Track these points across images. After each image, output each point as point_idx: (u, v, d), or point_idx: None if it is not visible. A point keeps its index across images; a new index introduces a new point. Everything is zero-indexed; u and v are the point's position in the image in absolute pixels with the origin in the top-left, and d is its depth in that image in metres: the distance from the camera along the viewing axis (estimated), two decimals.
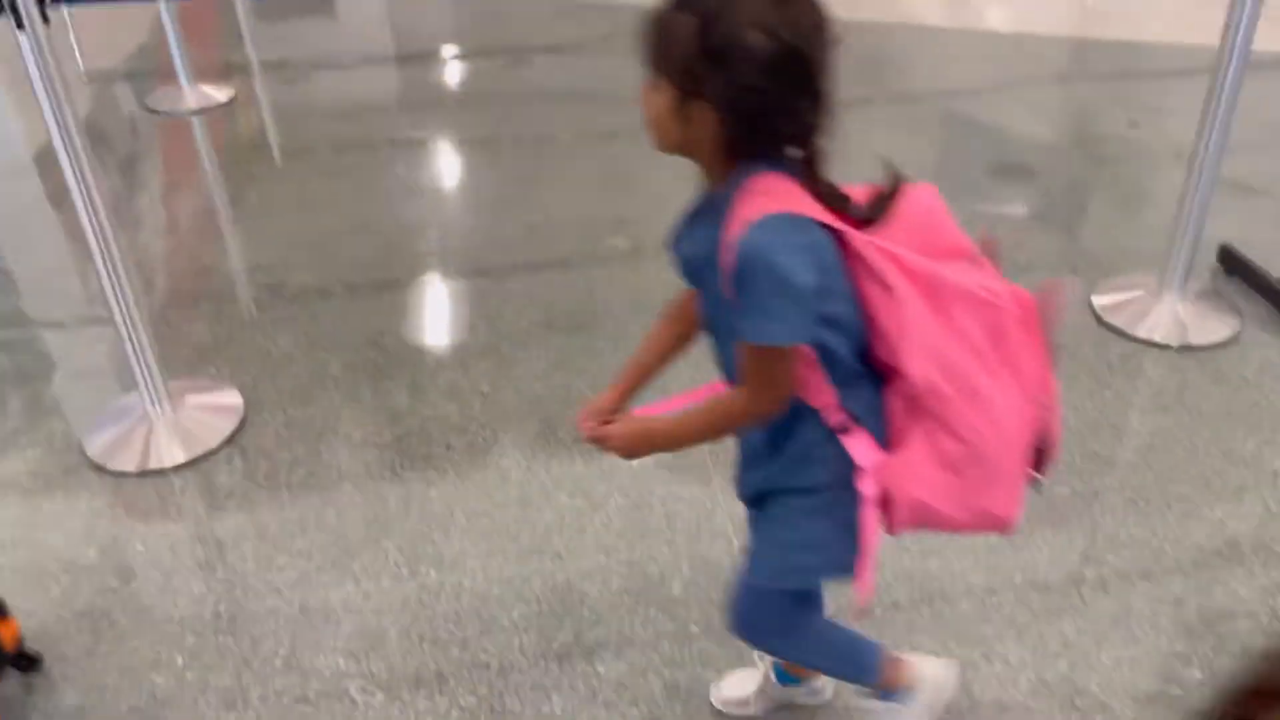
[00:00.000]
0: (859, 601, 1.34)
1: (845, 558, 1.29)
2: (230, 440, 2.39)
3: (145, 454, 2.35)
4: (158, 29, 4.26)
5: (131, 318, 2.28)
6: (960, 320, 1.17)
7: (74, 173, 2.10)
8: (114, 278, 2.24)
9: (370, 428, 2.43)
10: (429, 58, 4.68)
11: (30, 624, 1.88)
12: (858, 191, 1.20)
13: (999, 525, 1.30)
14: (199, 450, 2.37)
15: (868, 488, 1.25)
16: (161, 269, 3.10)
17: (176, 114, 4.07)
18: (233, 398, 2.50)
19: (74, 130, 2.06)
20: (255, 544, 2.12)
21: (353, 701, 1.79)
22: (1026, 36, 4.68)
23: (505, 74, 4.43)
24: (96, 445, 2.40)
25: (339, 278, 2.95)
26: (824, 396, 1.23)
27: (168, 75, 4.18)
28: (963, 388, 1.19)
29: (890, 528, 1.31)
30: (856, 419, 1.25)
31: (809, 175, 1.14)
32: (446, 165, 3.85)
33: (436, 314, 2.94)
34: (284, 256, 3.07)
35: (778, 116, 1.10)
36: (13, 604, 1.82)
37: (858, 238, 1.15)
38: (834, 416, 1.25)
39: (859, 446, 1.25)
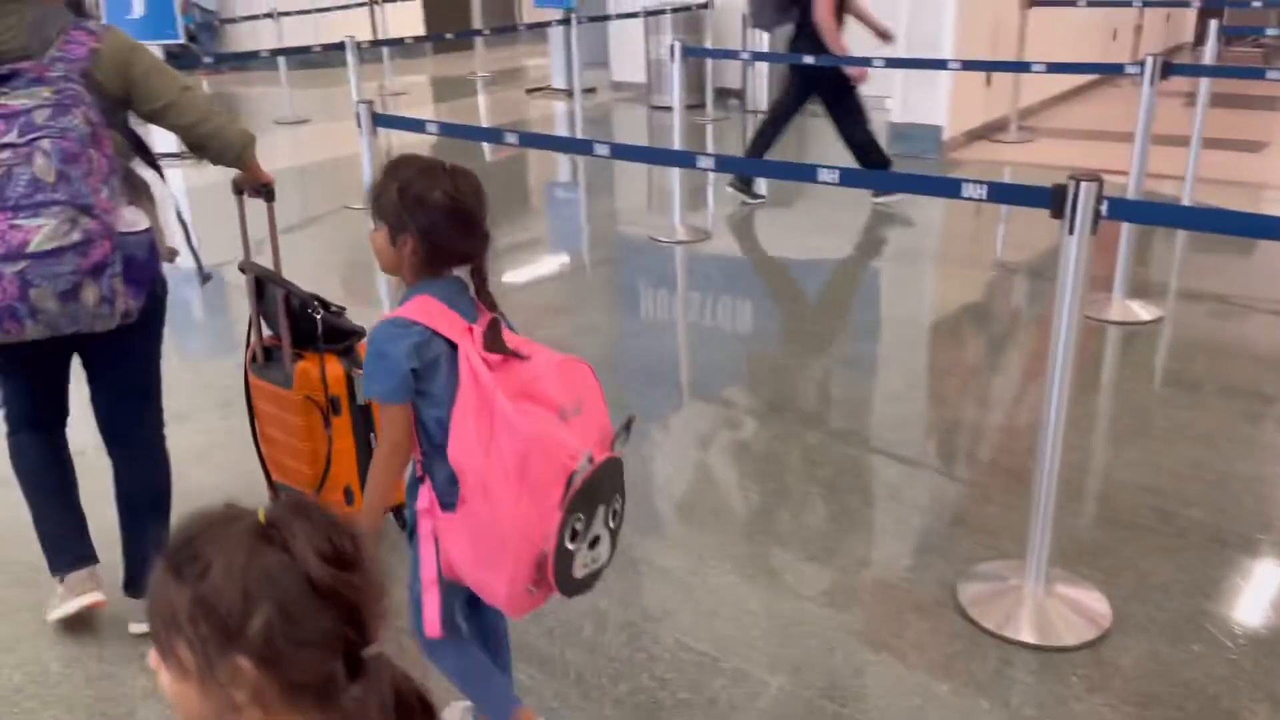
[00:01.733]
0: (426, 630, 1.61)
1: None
2: (1087, 646, 2.22)
3: (1004, 619, 2.30)
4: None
5: (1049, 490, 2.23)
6: (499, 439, 1.48)
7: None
8: (1050, 456, 2.21)
9: None
10: None
11: None
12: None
13: (502, 604, 1.62)
14: (1052, 641, 2.24)
15: (423, 527, 1.61)
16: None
17: (1098, 320, 3.95)
18: (1101, 605, 2.33)
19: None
20: None
21: None
22: None
23: None
24: (969, 591, 2.39)
25: (1237, 528, 2.65)
26: (416, 450, 1.61)
27: (1102, 285, 4.02)
28: (477, 480, 1.50)
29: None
30: (431, 476, 1.60)
31: (460, 293, 1.62)
32: None
33: None
34: (1179, 487, 2.82)
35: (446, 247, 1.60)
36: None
37: (464, 349, 1.53)
38: (419, 467, 1.61)
39: (423, 495, 1.61)
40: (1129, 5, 8.48)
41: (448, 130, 4.06)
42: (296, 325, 2.50)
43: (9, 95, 1.86)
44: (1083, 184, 1.93)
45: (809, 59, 5.17)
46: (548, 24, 9.10)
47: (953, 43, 6.49)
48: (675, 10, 8.69)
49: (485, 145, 7.71)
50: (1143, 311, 4.03)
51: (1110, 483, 2.92)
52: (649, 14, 8.74)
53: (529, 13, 14.05)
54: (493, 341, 1.56)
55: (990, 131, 7.30)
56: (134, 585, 2.26)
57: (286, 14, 10.77)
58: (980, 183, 2.16)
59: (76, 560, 2.26)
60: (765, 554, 2.58)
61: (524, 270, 5.20)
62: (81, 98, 1.91)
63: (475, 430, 1.50)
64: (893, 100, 6.97)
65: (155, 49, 7.08)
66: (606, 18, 8.95)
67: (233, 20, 12.60)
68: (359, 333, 2.53)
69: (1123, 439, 3.15)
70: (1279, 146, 7.04)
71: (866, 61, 5.17)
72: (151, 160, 2.21)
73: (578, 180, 6.93)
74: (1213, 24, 4.97)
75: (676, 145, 5.20)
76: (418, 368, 1.54)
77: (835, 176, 2.39)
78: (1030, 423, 3.16)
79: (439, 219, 1.58)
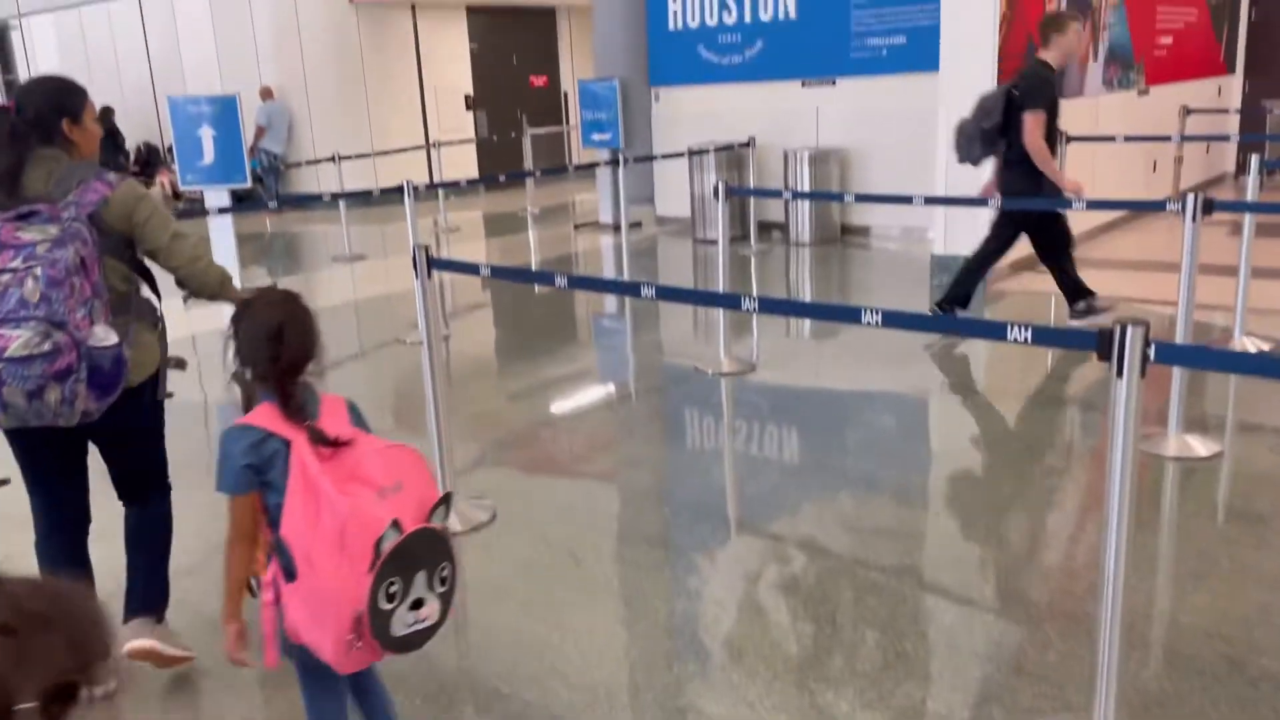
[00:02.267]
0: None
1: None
2: None
3: None
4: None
5: (1113, 639, 2.17)
6: (324, 517, 1.78)
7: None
8: (1112, 604, 2.18)
9: None
10: None
11: None
12: (333, 418, 1.94)
13: (330, 660, 1.85)
14: None
15: (266, 594, 1.89)
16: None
17: (1155, 455, 3.87)
18: None
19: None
20: None
21: None
22: None
23: None
24: None
25: None
26: (265, 533, 1.92)
27: (1156, 418, 4.00)
28: (303, 553, 1.80)
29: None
30: (278, 552, 1.86)
31: (283, 403, 1.90)
32: None
33: None
34: (1249, 633, 2.74)
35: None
36: None
37: (295, 445, 1.84)
38: (269, 546, 1.91)
39: (271, 568, 1.89)
40: (1167, 140, 8.61)
41: (498, 273, 4.18)
42: None
43: (24, 229, 2.29)
44: (1129, 329, 1.94)
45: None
46: (596, 165, 9.46)
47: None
48: (718, 149, 9.00)
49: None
50: (1200, 447, 3.94)
51: (1176, 628, 2.81)
52: (693, 154, 9.05)
53: (578, 153, 14.63)
54: (317, 437, 1.86)
55: (1034, 262, 7.34)
56: (128, 607, 2.69)
57: (347, 158, 11.32)
58: (1025, 326, 2.17)
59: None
60: (819, 702, 2.50)
61: (571, 400, 5.26)
62: (79, 235, 2.32)
63: (302, 511, 1.80)
64: (934, 232, 7.08)
65: (224, 192, 7.49)
66: (652, 158, 9.28)
67: (297, 165, 13.27)
68: None
69: (1186, 582, 3.05)
70: None
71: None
72: (154, 288, 2.67)
73: (624, 310, 7.06)
74: (1254, 159, 5.02)
75: (721, 278, 5.30)
76: (254, 463, 1.86)
77: (878, 319, 2.42)
78: (1088, 562, 3.08)
79: (240, 347, 1.98)
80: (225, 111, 7.25)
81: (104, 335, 2.34)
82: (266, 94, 13.50)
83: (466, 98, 15.20)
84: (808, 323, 6.36)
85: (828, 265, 8.40)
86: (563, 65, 16.59)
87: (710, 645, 2.79)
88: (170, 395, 2.79)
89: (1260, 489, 3.70)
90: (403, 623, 1.81)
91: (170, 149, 14.62)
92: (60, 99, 2.55)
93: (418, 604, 1.81)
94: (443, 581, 1.85)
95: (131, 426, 2.59)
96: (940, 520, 3.59)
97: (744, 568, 3.25)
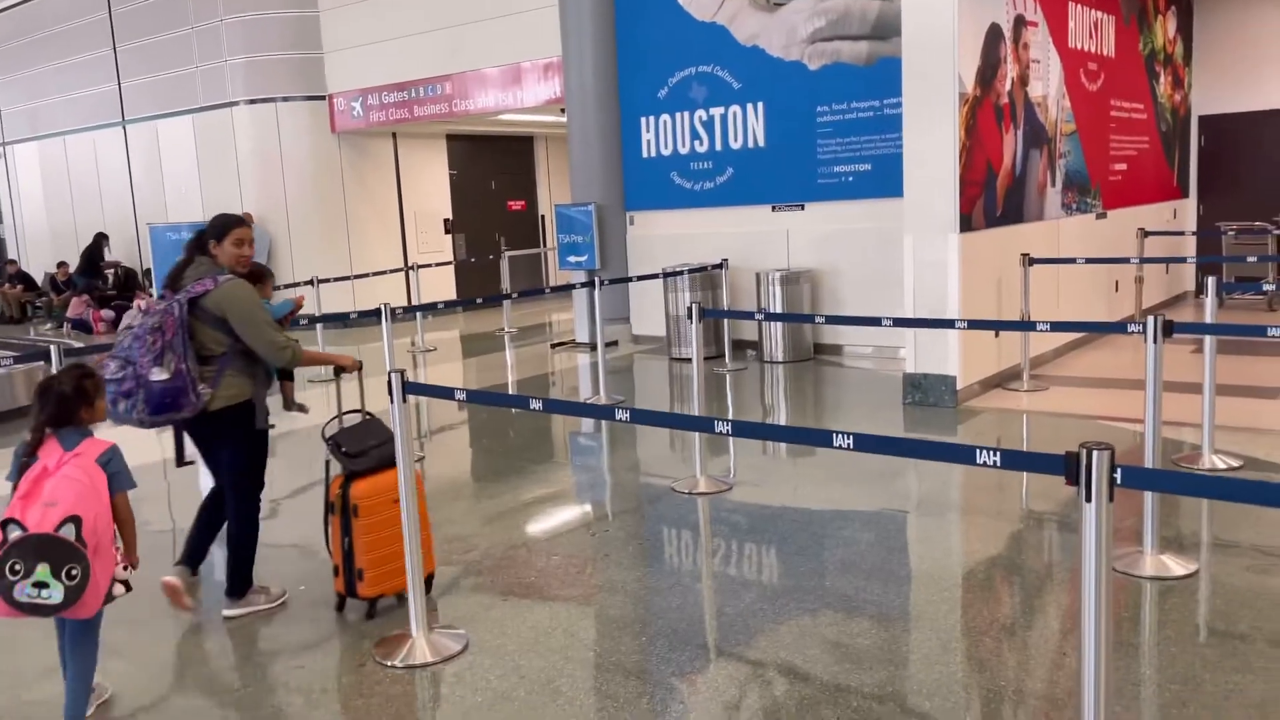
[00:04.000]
0: None
1: None
2: None
3: None
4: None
5: None
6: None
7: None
8: None
9: None
10: None
11: None
12: (83, 453, 2.91)
13: None
14: None
15: None
16: None
17: (1131, 575, 3.93)
18: None
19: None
20: None
21: None
22: None
23: None
24: None
25: None
26: None
27: (1131, 535, 4.13)
28: None
29: None
30: None
31: (71, 435, 2.95)
32: None
33: None
34: None
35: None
36: None
37: (34, 466, 2.87)
38: None
39: None
40: (1127, 262, 8.88)
41: (474, 398, 4.19)
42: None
43: (160, 303, 3.65)
44: (1095, 453, 1.97)
45: None
46: (572, 286, 9.61)
47: (958, 300, 6.77)
48: (692, 271, 9.18)
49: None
50: (1176, 566, 3.94)
51: None
52: (668, 275, 9.22)
53: (555, 274, 14.87)
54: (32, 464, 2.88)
55: (1003, 380, 7.47)
56: (181, 556, 3.96)
57: (326, 281, 11.45)
58: (994, 450, 2.20)
59: (182, 559, 3.92)
60: None
61: (546, 522, 5.21)
62: (170, 311, 3.57)
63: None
64: (906, 351, 7.20)
65: None
66: (627, 279, 9.45)
67: (276, 288, 13.38)
68: (346, 469, 3.90)
69: (1171, 708, 3.00)
70: None
71: (875, 321, 5.39)
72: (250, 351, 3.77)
73: (600, 429, 7.06)
74: (1210, 281, 5.17)
75: (696, 398, 5.34)
76: (16, 468, 2.88)
77: (849, 442, 2.44)
78: (1072, 688, 3.03)
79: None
80: None
81: (157, 374, 3.51)
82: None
83: (445, 221, 15.51)
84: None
85: (802, 383, 8.49)
86: (540, 190, 17.03)
87: None
88: (273, 426, 3.94)
89: (1239, 608, 3.68)
90: (24, 593, 2.64)
91: (149, 272, 14.74)
92: (216, 225, 3.84)
93: (41, 585, 2.62)
94: (70, 577, 2.66)
95: (216, 437, 3.80)
96: (920, 644, 3.54)
97: (723, 698, 3.17)
